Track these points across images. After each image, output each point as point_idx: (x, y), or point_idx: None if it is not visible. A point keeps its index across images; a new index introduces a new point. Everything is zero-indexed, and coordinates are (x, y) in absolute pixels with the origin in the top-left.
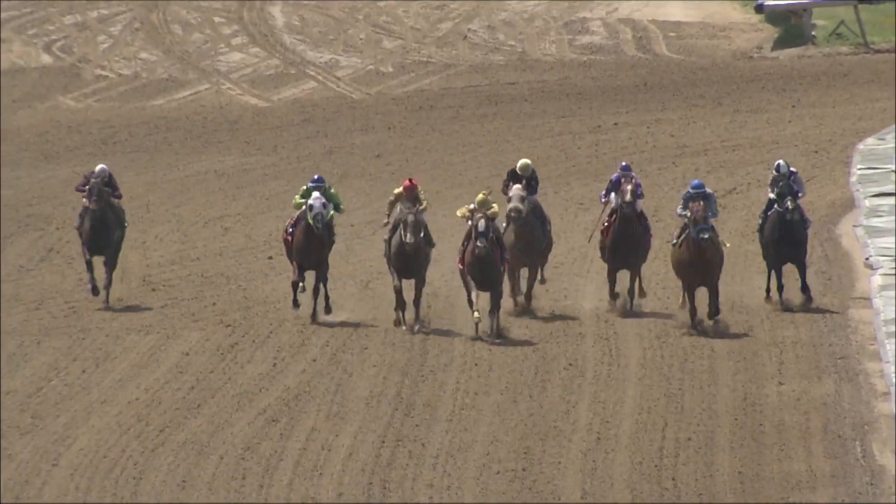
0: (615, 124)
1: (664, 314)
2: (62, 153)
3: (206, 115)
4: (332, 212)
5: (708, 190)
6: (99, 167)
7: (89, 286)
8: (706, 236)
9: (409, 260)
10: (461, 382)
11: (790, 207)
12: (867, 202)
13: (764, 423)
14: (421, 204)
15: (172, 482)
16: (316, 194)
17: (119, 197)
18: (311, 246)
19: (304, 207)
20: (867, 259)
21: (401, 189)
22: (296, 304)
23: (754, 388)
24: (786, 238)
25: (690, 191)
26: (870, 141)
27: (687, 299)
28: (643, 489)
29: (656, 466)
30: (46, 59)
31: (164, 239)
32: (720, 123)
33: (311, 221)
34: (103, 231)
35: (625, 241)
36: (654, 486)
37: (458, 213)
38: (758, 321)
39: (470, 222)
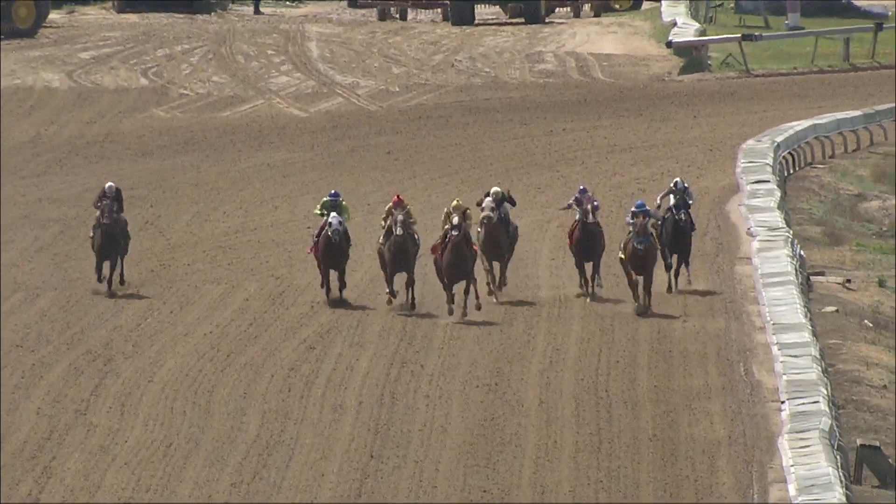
0: (563, 129)
1: (614, 297)
2: (155, 151)
3: (261, 123)
4: (345, 220)
5: (647, 208)
6: (108, 185)
7: (96, 276)
8: (641, 247)
9: (400, 255)
10: (449, 322)
11: (684, 218)
12: (748, 187)
13: (672, 350)
14: (410, 215)
15: (236, 393)
16: (333, 214)
17: (121, 211)
18: (332, 253)
19: (324, 220)
20: (749, 229)
21: (390, 204)
22: (328, 292)
23: (666, 324)
24: (678, 239)
25: (634, 209)
26: (750, 142)
27: (630, 286)
28: (584, 398)
29: (594, 382)
30: (143, 81)
31: (230, 214)
32: (640, 129)
33: (330, 235)
34: (112, 243)
35: (587, 243)
36: (591, 395)
37: (442, 221)
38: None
39: (446, 225)
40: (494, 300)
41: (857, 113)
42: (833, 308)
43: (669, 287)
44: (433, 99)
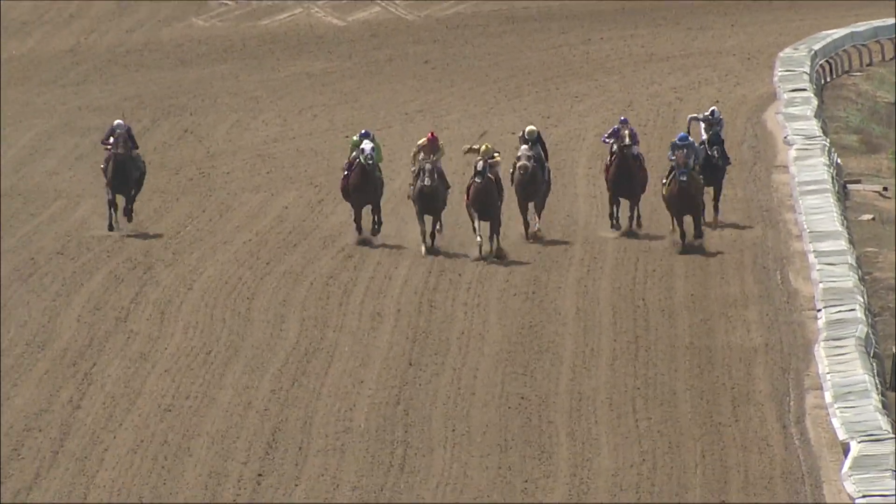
0: (601, 38)
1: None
2: (194, 60)
3: (299, 32)
4: (378, 157)
5: (691, 139)
6: (117, 122)
7: (107, 223)
8: (684, 178)
9: (429, 200)
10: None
11: (716, 155)
12: (786, 95)
13: (709, 258)
14: (440, 152)
15: (276, 301)
16: (367, 141)
17: (136, 148)
18: (364, 184)
19: (355, 152)
20: (786, 137)
21: (424, 140)
22: (359, 229)
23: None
24: (710, 176)
25: (676, 141)
26: (787, 50)
27: (676, 225)
28: (621, 306)
29: (630, 290)
30: None
31: (269, 123)
32: (678, 38)
33: (362, 160)
34: (124, 175)
35: (622, 175)
36: (628, 304)
37: (463, 150)
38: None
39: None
40: (530, 240)
41: (895, 21)
42: (869, 216)
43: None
44: (471, 7)
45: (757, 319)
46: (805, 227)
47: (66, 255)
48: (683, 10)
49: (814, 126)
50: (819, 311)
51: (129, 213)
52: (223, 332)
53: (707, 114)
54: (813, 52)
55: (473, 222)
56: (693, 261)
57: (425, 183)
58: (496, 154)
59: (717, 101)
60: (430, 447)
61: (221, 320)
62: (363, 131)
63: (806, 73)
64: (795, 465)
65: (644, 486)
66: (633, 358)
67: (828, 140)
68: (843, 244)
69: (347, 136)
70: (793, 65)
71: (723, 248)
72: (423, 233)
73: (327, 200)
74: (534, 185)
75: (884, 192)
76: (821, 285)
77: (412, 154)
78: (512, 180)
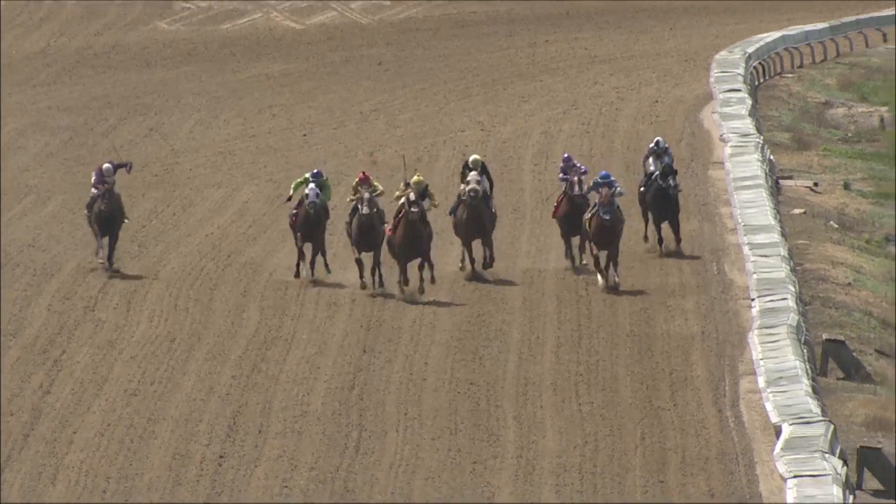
0: (546, 41)
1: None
2: (159, 62)
3: (259, 35)
4: (325, 199)
5: (612, 178)
6: (105, 166)
7: (99, 259)
8: (607, 217)
9: (367, 234)
10: (440, 230)
11: (672, 185)
12: (721, 95)
13: (648, 250)
14: (376, 190)
15: (237, 292)
16: (312, 185)
17: (129, 166)
18: (309, 224)
19: (303, 195)
20: (721, 135)
21: (357, 179)
22: (297, 275)
23: (641, 226)
24: (665, 207)
25: (598, 179)
26: (723, 52)
27: (595, 257)
28: (565, 296)
29: (574, 280)
30: None
31: (229, 122)
32: (620, 41)
33: (307, 207)
34: (109, 223)
35: (573, 215)
36: (572, 294)
37: (394, 195)
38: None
39: (402, 200)
40: (466, 275)
41: (825, 25)
42: (801, 210)
43: (646, 238)
44: (422, 12)
45: (694, 308)
46: (740, 220)
47: (37, 247)
48: (625, 14)
49: (748, 124)
50: (753, 300)
51: (110, 259)
52: (186, 320)
53: (652, 145)
54: (747, 54)
55: (399, 263)
56: (633, 253)
57: (362, 211)
58: (427, 185)
59: (657, 101)
60: (383, 430)
61: (185, 309)
62: (315, 171)
63: (741, 74)
64: (730, 447)
65: (587, 466)
66: (576, 345)
67: (761, 138)
68: (775, 237)
69: (305, 135)
70: (728, 66)
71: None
72: (361, 269)
73: (286, 196)
74: (480, 216)
75: (814, 188)
76: (754, 276)
77: (351, 189)
78: (454, 215)
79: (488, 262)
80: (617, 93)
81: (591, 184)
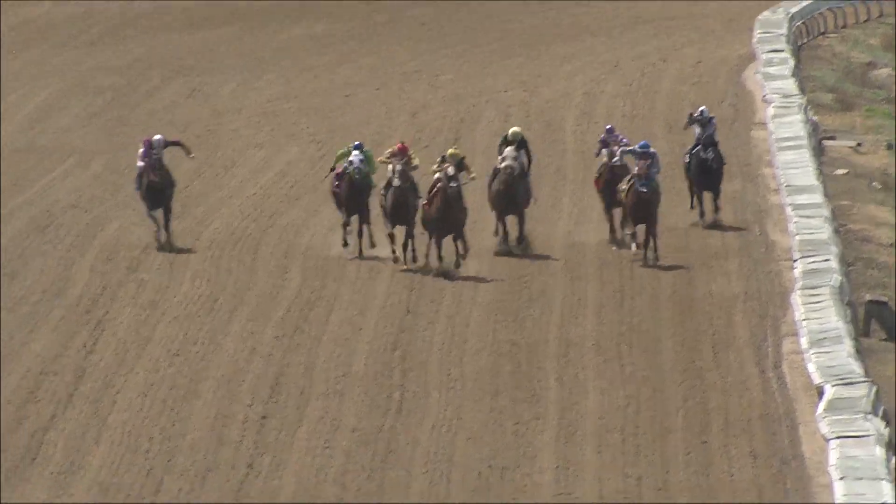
0: (588, 2)
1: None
2: (201, 22)
3: None
4: (371, 169)
5: (652, 150)
6: (156, 137)
7: (156, 234)
8: (644, 190)
9: (400, 207)
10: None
11: (711, 157)
12: (764, 56)
13: (690, 212)
14: (410, 163)
15: (278, 252)
16: (356, 152)
17: (179, 142)
18: (353, 194)
19: (346, 162)
20: (764, 96)
21: (393, 149)
22: (346, 244)
23: (685, 187)
24: (706, 179)
25: (637, 149)
26: (766, 13)
27: (630, 230)
28: (607, 258)
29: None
30: None
31: (271, 83)
32: (662, 2)
33: (351, 173)
34: (160, 195)
35: (615, 186)
36: (614, 255)
37: (431, 169)
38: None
39: (438, 174)
40: (497, 249)
41: None
42: (844, 170)
43: (692, 206)
44: None
45: (736, 269)
46: (782, 181)
47: (80, 207)
48: None
49: (791, 85)
50: (795, 261)
51: (167, 228)
52: (229, 281)
53: (696, 114)
54: (790, 14)
55: (434, 238)
56: (675, 214)
57: (394, 184)
58: (464, 158)
59: (700, 62)
60: (425, 391)
61: (227, 270)
62: (355, 143)
63: (783, 34)
64: (773, 408)
65: (629, 427)
66: (618, 306)
67: (804, 98)
68: (818, 197)
69: (347, 96)
70: (771, 27)
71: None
72: (393, 243)
73: (328, 156)
74: (514, 192)
75: (857, 148)
76: (797, 237)
77: (385, 158)
78: (489, 187)
79: (520, 238)
80: (659, 53)
81: (630, 149)
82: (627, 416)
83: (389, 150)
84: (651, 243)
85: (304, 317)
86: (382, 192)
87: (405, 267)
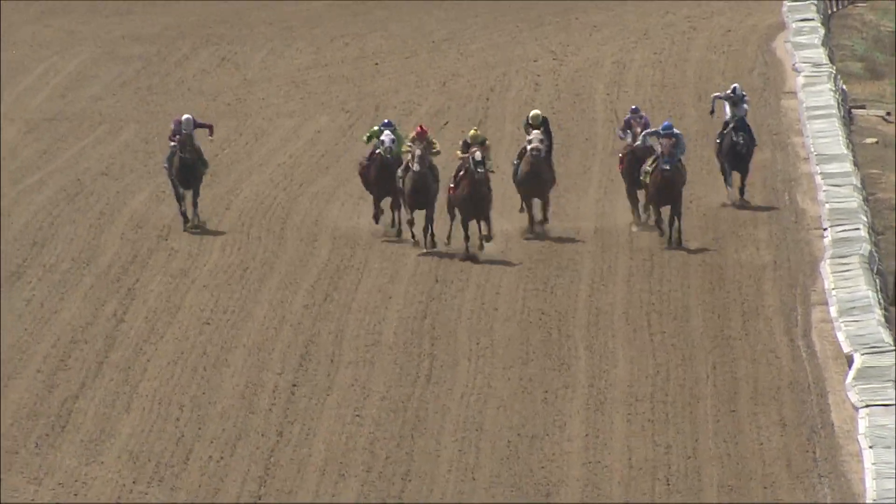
0: None
1: None
2: None
3: None
4: (399, 150)
5: (676, 130)
6: (185, 117)
7: (181, 215)
8: (668, 167)
9: (420, 192)
10: (509, 156)
11: (742, 142)
12: (794, 25)
13: (719, 179)
14: (433, 147)
15: (309, 220)
16: (387, 132)
17: (210, 126)
18: (384, 174)
19: (375, 141)
20: (794, 65)
21: (414, 133)
22: (376, 218)
23: (713, 155)
24: (736, 161)
25: (660, 130)
26: None
27: (655, 215)
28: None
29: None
30: None
31: (302, 51)
32: None
33: (382, 152)
34: (191, 172)
35: (638, 168)
36: (643, 223)
37: (456, 154)
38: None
39: (465, 157)
40: (529, 237)
41: None
42: (873, 139)
43: (733, 197)
44: None
45: (766, 238)
46: (812, 149)
47: (111, 175)
48: None
49: (821, 54)
50: (825, 230)
51: (195, 208)
52: (259, 249)
53: (729, 91)
54: None
55: (461, 223)
56: (704, 181)
57: (413, 168)
58: (486, 140)
59: (729, 30)
60: (455, 359)
61: (257, 238)
62: (385, 121)
63: (813, 3)
64: (802, 376)
65: (658, 396)
66: (648, 275)
67: (834, 67)
68: (848, 166)
69: (377, 64)
70: None
71: None
72: (412, 228)
73: (357, 125)
74: (541, 176)
75: (887, 117)
76: (827, 205)
77: (406, 145)
78: (516, 171)
79: (543, 220)
80: (689, 22)
81: (652, 131)
82: (656, 385)
83: (411, 135)
84: (676, 224)
85: (334, 285)
86: (401, 175)
87: (424, 251)
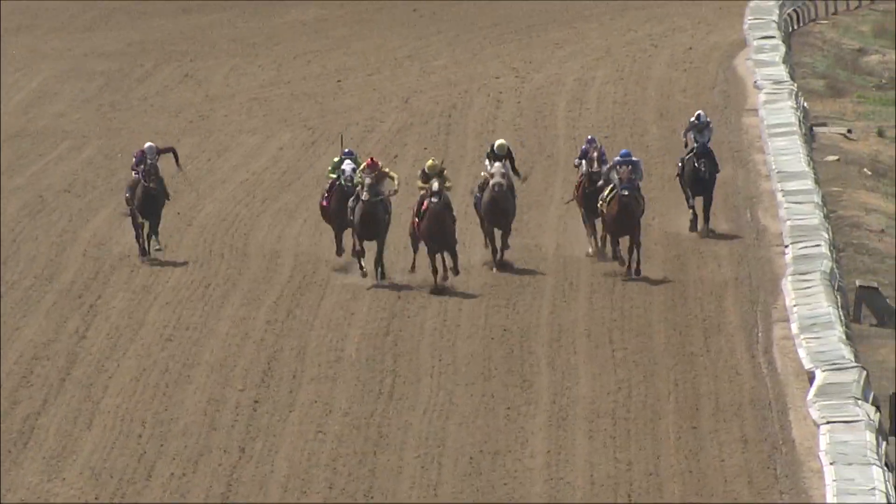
0: None
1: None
2: (194, 7)
3: None
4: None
5: (634, 158)
6: (148, 145)
7: (139, 248)
8: (626, 193)
9: (369, 222)
10: (467, 180)
11: (703, 169)
12: (755, 42)
13: (682, 197)
14: (390, 180)
15: (272, 236)
16: (347, 161)
17: (173, 150)
18: (345, 205)
19: (336, 174)
20: (755, 82)
21: (364, 164)
22: (339, 252)
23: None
24: (699, 188)
25: (619, 158)
26: None
27: (613, 248)
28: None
29: None
30: None
31: (265, 68)
32: None
33: (342, 182)
34: (153, 203)
35: (594, 194)
36: (606, 241)
37: (417, 185)
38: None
39: (422, 188)
40: (494, 270)
41: None
42: (835, 157)
43: (692, 226)
44: None
45: (727, 255)
46: (773, 167)
47: (73, 192)
48: None
49: (782, 71)
50: (786, 247)
51: (155, 239)
52: (221, 266)
53: (693, 119)
54: (781, 0)
55: (428, 254)
56: (666, 198)
57: (363, 197)
58: (444, 170)
59: (691, 48)
60: (417, 376)
61: (220, 255)
62: (346, 150)
63: (775, 21)
64: (763, 393)
65: (620, 412)
66: (609, 292)
67: (795, 85)
68: (809, 184)
69: (340, 81)
70: (762, 13)
71: None
72: (360, 259)
73: (320, 142)
74: (504, 207)
75: (848, 135)
76: (788, 223)
77: (357, 180)
78: (478, 202)
79: (503, 247)
80: (651, 39)
81: (611, 163)
82: (618, 401)
83: (363, 164)
84: (635, 254)
85: (296, 302)
86: (351, 205)
87: (373, 283)
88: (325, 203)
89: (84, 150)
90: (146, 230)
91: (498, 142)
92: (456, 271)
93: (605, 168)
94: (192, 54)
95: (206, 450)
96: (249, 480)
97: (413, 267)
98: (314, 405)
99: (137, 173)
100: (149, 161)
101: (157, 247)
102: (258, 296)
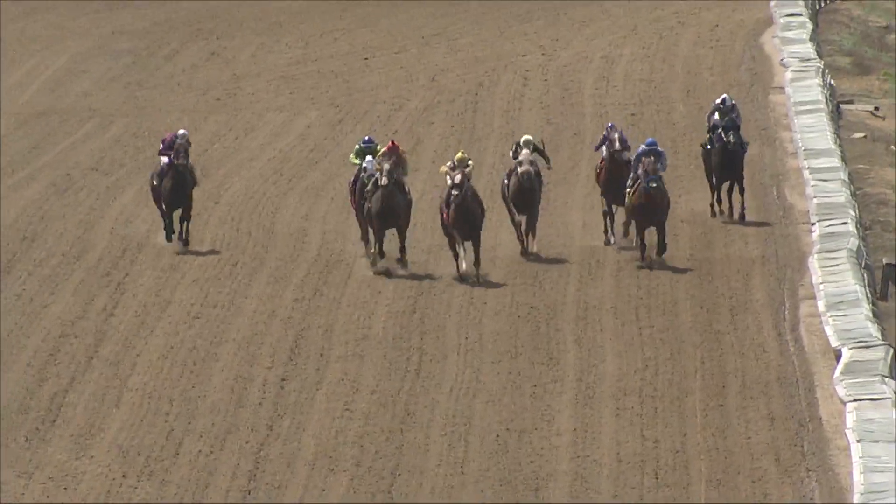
0: None
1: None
2: None
3: None
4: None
5: (659, 148)
6: (181, 131)
7: (165, 233)
8: (653, 185)
9: (386, 209)
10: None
11: (733, 141)
12: (782, 20)
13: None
14: (403, 164)
15: (298, 215)
16: (369, 157)
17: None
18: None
19: (358, 160)
20: (782, 60)
21: (386, 148)
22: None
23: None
24: (728, 164)
25: (644, 147)
26: None
27: (638, 239)
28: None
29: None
30: None
31: (292, 46)
32: None
33: (364, 178)
34: (182, 188)
35: (614, 180)
36: None
37: (441, 170)
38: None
39: (448, 178)
40: (525, 257)
41: None
42: (861, 134)
43: (713, 212)
44: None
45: (754, 233)
46: (800, 144)
47: (100, 170)
48: None
49: (809, 49)
50: (813, 224)
51: (183, 235)
52: (249, 244)
53: (718, 102)
54: None
55: (454, 244)
56: (693, 176)
57: (381, 182)
58: (470, 162)
59: (717, 25)
60: (444, 354)
61: (247, 233)
62: (366, 138)
63: None
64: (790, 371)
65: (646, 390)
66: (636, 269)
67: (822, 62)
68: (836, 161)
69: (366, 59)
70: None
71: None
72: (374, 250)
73: (347, 120)
74: (530, 195)
75: (875, 112)
76: (815, 200)
77: (377, 167)
78: (505, 189)
79: (529, 232)
80: (677, 17)
81: (636, 154)
82: (645, 379)
83: (381, 148)
84: (656, 245)
85: (324, 280)
86: (368, 191)
87: (374, 270)
88: (351, 192)
89: (111, 128)
90: (176, 217)
91: (524, 137)
92: (477, 262)
93: (626, 154)
94: (219, 32)
95: (233, 427)
96: (277, 458)
97: (457, 257)
98: (341, 383)
99: (167, 157)
100: (179, 142)
101: (187, 238)
102: (285, 274)
